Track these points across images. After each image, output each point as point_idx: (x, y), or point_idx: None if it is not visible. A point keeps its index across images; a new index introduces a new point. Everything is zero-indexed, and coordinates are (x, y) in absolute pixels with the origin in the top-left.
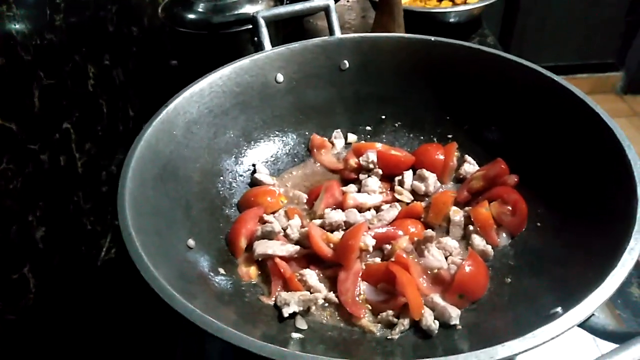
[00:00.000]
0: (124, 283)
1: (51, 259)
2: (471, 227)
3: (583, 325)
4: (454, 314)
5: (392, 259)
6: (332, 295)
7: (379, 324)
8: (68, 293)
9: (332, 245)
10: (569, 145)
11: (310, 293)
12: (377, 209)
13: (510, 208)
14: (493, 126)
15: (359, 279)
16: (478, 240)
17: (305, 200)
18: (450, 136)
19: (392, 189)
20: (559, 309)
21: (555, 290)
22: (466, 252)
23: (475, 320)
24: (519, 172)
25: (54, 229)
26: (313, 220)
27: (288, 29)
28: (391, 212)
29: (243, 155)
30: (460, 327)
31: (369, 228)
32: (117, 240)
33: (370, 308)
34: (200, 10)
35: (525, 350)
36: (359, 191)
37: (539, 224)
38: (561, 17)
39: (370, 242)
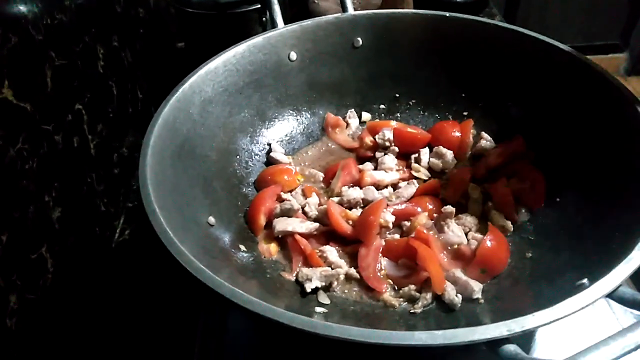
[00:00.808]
0: (139, 263)
1: (67, 239)
2: (490, 204)
3: (611, 295)
4: (477, 287)
5: (412, 235)
6: (353, 270)
7: (401, 299)
8: (85, 273)
9: (351, 222)
10: (588, 119)
11: (332, 269)
12: (394, 186)
13: (529, 184)
14: (509, 102)
15: (380, 254)
16: (497, 216)
17: (321, 179)
18: (465, 113)
19: (409, 167)
20: (585, 281)
21: (577, 264)
22: (485, 228)
23: (497, 294)
24: (536, 147)
25: (69, 210)
26: (331, 198)
27: (294, 9)
28: (409, 189)
29: (258, 134)
30: (482, 300)
31: (387, 205)
32: (130, 221)
33: (392, 283)
34: None
35: (555, 320)
36: (375, 169)
37: (558, 199)
38: None
39: (390, 219)
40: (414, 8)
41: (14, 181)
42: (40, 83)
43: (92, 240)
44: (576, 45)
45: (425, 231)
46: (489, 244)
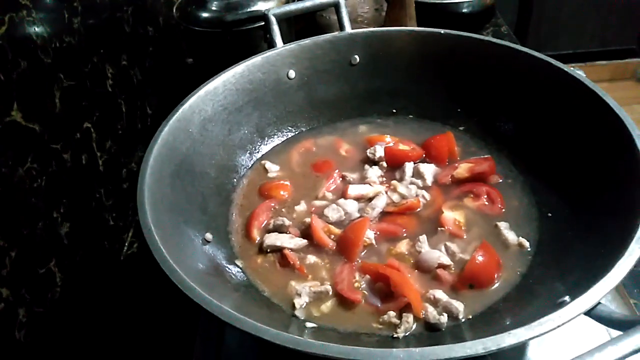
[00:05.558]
0: (146, 276)
1: (75, 254)
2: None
3: (590, 313)
4: (460, 307)
5: (386, 263)
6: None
7: (382, 326)
8: (92, 286)
9: (333, 237)
10: (580, 135)
11: (320, 284)
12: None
13: (486, 197)
14: (503, 117)
15: (358, 272)
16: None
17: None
18: (462, 128)
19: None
20: (566, 298)
21: (565, 280)
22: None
23: (484, 311)
24: (529, 161)
25: (78, 225)
26: (314, 201)
27: (301, 24)
28: (380, 199)
29: (257, 151)
30: (470, 317)
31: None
32: (139, 235)
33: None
34: (213, 8)
35: (532, 338)
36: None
37: (549, 215)
38: (578, 2)
39: (371, 236)
40: (418, 21)
41: (22, 199)
42: (49, 104)
43: (101, 253)
44: (591, 51)
45: (397, 263)
46: (479, 259)
